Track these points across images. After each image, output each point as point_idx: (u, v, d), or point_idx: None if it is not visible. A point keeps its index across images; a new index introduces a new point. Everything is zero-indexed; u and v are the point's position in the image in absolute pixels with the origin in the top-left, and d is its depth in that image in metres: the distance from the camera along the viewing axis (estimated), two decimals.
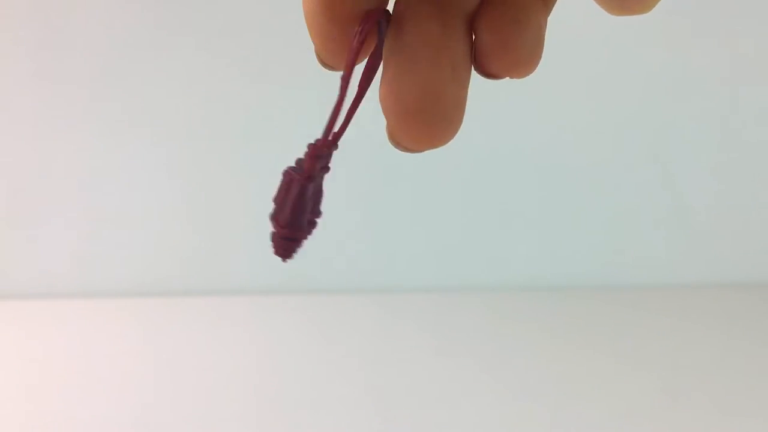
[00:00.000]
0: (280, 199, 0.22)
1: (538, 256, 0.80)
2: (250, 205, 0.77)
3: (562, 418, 0.57)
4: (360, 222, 0.78)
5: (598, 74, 0.76)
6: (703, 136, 0.78)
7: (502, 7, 0.20)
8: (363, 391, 0.61)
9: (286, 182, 0.21)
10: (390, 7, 0.20)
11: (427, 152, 0.20)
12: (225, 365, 0.66)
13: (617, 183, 0.79)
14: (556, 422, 0.57)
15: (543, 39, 0.20)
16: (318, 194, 0.22)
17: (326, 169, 0.22)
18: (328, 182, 0.22)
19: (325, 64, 0.20)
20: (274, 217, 0.22)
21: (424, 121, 0.19)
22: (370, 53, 0.20)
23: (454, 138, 0.20)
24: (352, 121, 0.20)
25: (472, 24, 0.20)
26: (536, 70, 0.20)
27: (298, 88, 0.75)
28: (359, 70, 0.21)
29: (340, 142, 0.21)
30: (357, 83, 0.21)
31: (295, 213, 0.21)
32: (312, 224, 0.22)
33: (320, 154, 0.21)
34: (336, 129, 0.21)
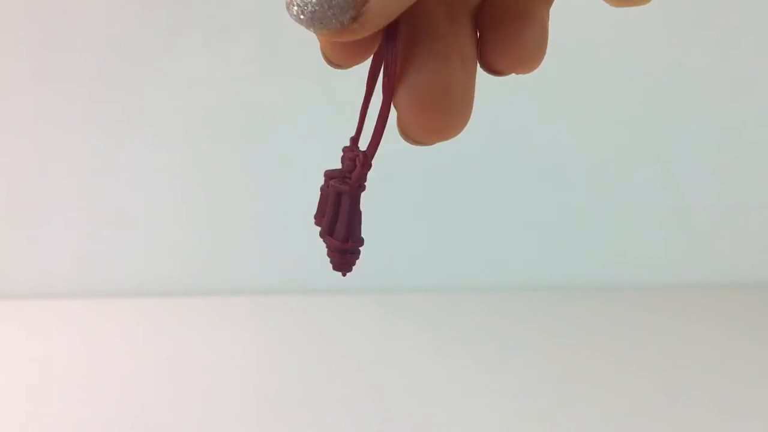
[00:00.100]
0: (329, 214, 0.21)
1: (538, 256, 0.80)
2: (250, 205, 0.77)
3: (562, 418, 0.57)
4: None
5: (598, 74, 0.76)
6: (703, 136, 0.78)
7: (504, 3, 0.20)
8: (363, 391, 0.61)
9: (333, 196, 0.21)
10: None
11: (428, 150, 0.20)
12: (225, 365, 0.66)
13: (617, 183, 0.79)
14: (556, 422, 0.57)
15: (546, 33, 0.20)
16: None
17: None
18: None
19: (331, 63, 0.20)
20: (329, 234, 0.22)
21: (436, 113, 0.19)
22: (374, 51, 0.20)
23: (457, 135, 0.20)
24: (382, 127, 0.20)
25: (476, 19, 0.20)
26: (537, 69, 0.20)
27: (298, 88, 0.75)
28: (360, 68, 0.21)
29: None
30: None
31: (352, 225, 0.21)
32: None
33: (369, 162, 0.21)
34: (357, 132, 0.21)
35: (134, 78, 0.75)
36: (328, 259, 0.22)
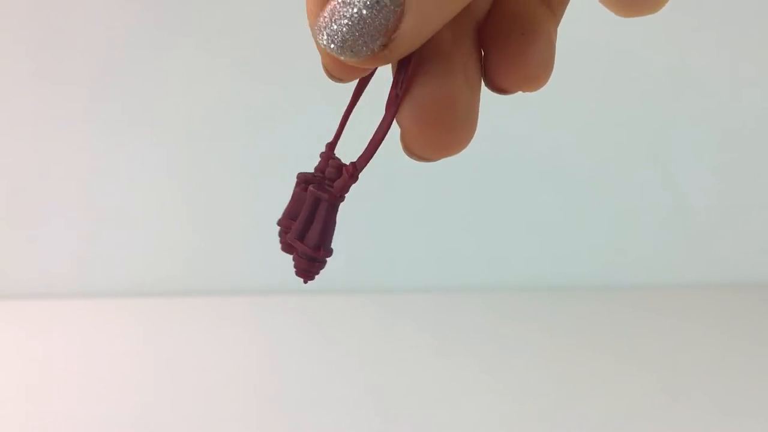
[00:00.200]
0: (303, 219, 0.21)
1: (538, 256, 0.80)
2: (250, 205, 0.77)
3: (562, 418, 0.57)
4: (360, 222, 0.78)
5: (598, 74, 0.76)
6: (703, 136, 0.78)
7: (509, 19, 0.19)
8: (363, 391, 0.61)
9: (311, 201, 0.21)
10: None
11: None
12: (225, 365, 0.66)
13: (617, 183, 0.79)
14: (556, 422, 0.57)
15: (554, 51, 0.20)
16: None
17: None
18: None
19: (333, 76, 0.20)
20: (301, 237, 0.21)
21: (440, 128, 0.19)
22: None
23: (461, 151, 0.19)
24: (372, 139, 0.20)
25: (480, 35, 0.20)
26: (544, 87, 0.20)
27: (298, 88, 0.75)
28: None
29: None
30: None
31: (326, 234, 0.21)
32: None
33: (357, 175, 0.20)
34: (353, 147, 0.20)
35: (134, 78, 0.75)
36: (293, 263, 0.22)
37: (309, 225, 0.21)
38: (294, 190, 0.23)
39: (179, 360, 0.67)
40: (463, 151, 0.20)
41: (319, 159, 0.23)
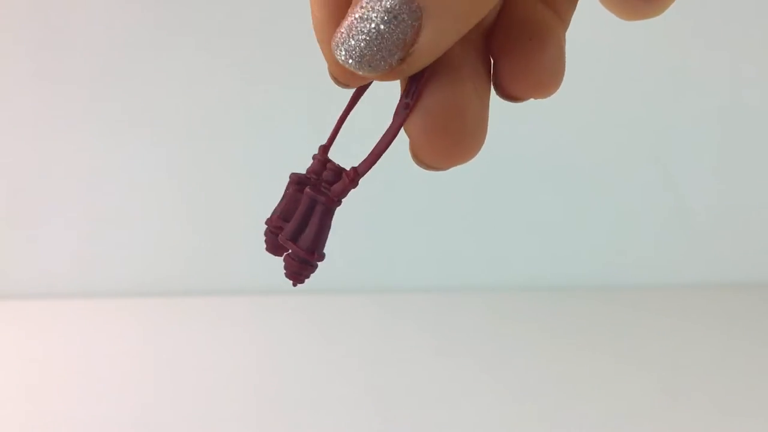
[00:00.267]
0: (298, 220, 0.20)
1: (538, 256, 0.80)
2: (250, 205, 0.77)
3: (562, 418, 0.57)
4: (360, 222, 0.78)
5: (599, 74, 0.76)
6: (703, 137, 0.78)
7: (519, 26, 0.19)
8: (363, 391, 0.61)
9: (307, 203, 0.20)
10: None
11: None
12: (225, 365, 0.66)
13: (618, 183, 0.79)
14: (556, 422, 0.57)
15: (564, 56, 0.20)
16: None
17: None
18: None
19: (339, 82, 0.20)
20: (294, 239, 0.21)
21: (449, 137, 0.18)
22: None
23: (471, 159, 0.19)
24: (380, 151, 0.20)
25: (488, 43, 0.20)
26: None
27: (298, 88, 0.75)
28: None
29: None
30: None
31: (320, 237, 0.21)
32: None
33: (358, 181, 0.20)
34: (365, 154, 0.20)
35: (134, 78, 0.75)
36: (283, 263, 0.21)
37: (303, 227, 0.20)
38: (287, 191, 0.22)
39: (179, 360, 0.67)
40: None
41: (311, 160, 0.23)
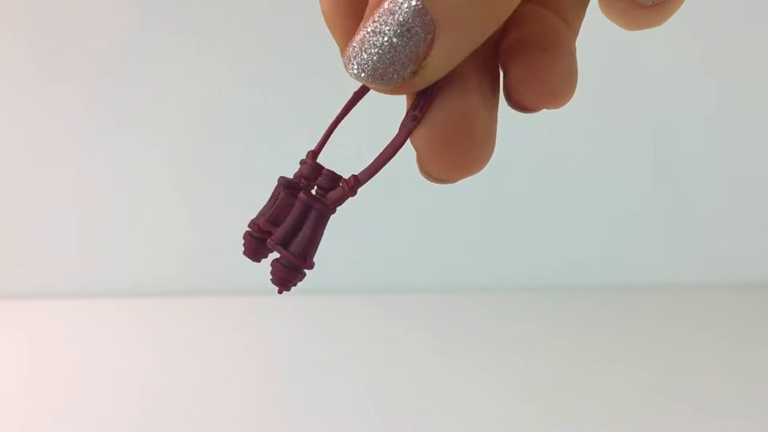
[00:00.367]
0: (290, 225, 0.20)
1: (538, 256, 0.80)
2: (250, 206, 0.77)
3: (562, 418, 0.57)
4: (360, 222, 0.78)
5: (599, 74, 0.76)
6: (703, 137, 0.78)
7: (530, 37, 0.19)
8: (363, 391, 0.61)
9: (300, 209, 0.20)
10: None
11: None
12: (225, 365, 0.66)
13: (618, 183, 0.79)
14: (556, 422, 0.57)
15: (576, 66, 0.19)
16: None
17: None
18: None
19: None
20: (285, 244, 0.20)
21: (457, 151, 0.18)
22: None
23: (480, 171, 0.19)
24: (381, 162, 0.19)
25: (497, 54, 0.20)
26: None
27: (298, 88, 0.75)
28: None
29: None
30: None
31: (313, 245, 0.20)
32: None
33: (357, 191, 0.19)
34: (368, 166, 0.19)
35: (134, 78, 0.75)
36: (271, 268, 0.21)
37: (295, 233, 0.20)
38: (276, 194, 0.22)
39: (179, 360, 0.67)
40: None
41: (300, 165, 0.22)
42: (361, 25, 0.17)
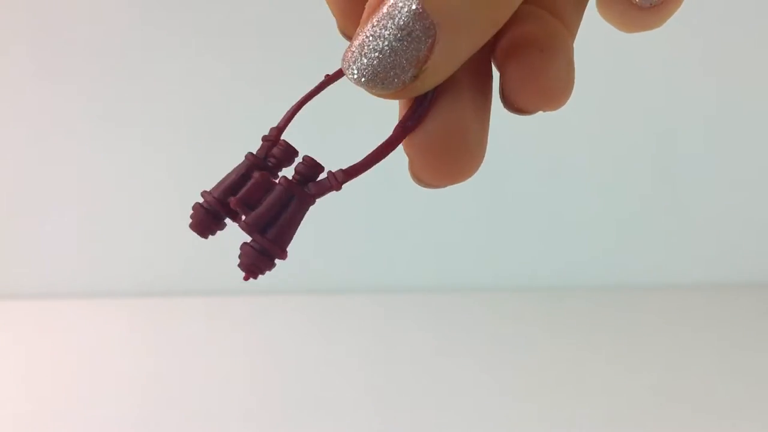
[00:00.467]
0: (268, 210, 0.19)
1: (538, 256, 0.80)
2: None
3: (562, 418, 0.57)
4: (360, 222, 0.78)
5: (599, 74, 0.76)
6: (703, 137, 0.78)
7: (527, 38, 0.19)
8: (363, 391, 0.61)
9: (281, 195, 0.19)
10: None
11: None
12: (225, 365, 0.66)
13: (618, 183, 0.79)
14: (556, 422, 0.57)
15: (573, 67, 0.19)
16: None
17: None
18: None
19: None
20: (260, 226, 0.20)
21: (449, 160, 0.18)
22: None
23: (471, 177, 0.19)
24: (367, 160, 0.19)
25: (493, 55, 0.19)
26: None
27: (298, 88, 0.75)
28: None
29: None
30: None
31: (290, 233, 0.19)
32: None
33: (341, 186, 0.19)
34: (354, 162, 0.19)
35: (134, 78, 0.75)
36: (239, 253, 0.20)
37: (275, 220, 0.19)
38: (243, 171, 0.21)
39: (179, 360, 0.67)
40: None
41: (263, 141, 0.21)
42: (359, 29, 0.17)
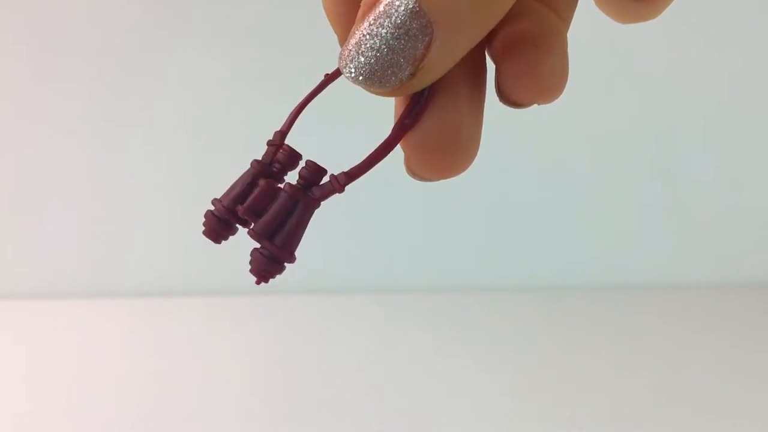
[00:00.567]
0: (275, 217, 0.20)
1: (538, 256, 0.80)
2: None
3: (562, 418, 0.57)
4: (360, 222, 0.78)
5: (599, 74, 0.76)
6: (703, 137, 0.78)
7: (521, 32, 0.19)
8: (363, 391, 0.61)
9: (287, 201, 0.20)
10: None
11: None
12: (225, 365, 0.66)
13: (618, 183, 0.79)
14: (556, 422, 0.57)
15: (567, 60, 0.19)
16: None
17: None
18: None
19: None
20: (268, 233, 0.20)
21: (444, 156, 0.19)
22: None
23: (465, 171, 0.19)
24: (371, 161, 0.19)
25: (488, 49, 0.20)
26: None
27: (298, 88, 0.75)
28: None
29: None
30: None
31: (298, 238, 0.20)
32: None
33: (344, 188, 0.19)
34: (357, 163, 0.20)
35: (134, 78, 0.75)
36: (250, 259, 0.21)
37: (282, 225, 0.20)
38: (250, 179, 0.21)
39: (179, 360, 0.67)
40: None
41: (268, 146, 0.22)
42: (355, 27, 0.17)
